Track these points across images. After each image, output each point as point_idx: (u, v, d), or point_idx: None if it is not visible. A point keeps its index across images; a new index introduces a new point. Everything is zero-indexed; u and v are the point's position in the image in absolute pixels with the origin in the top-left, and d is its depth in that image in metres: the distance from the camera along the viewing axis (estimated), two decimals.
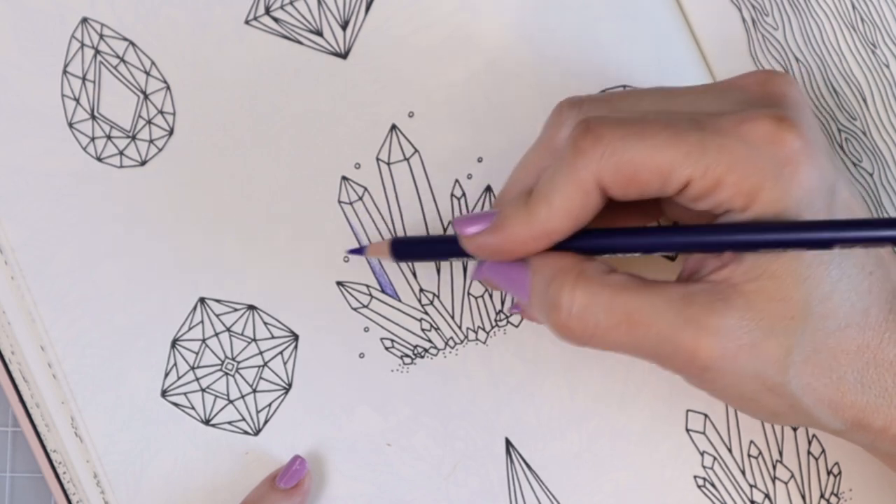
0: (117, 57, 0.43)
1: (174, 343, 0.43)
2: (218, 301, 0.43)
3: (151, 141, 0.43)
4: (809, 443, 0.42)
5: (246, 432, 0.43)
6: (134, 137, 0.43)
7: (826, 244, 0.32)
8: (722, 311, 0.32)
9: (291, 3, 0.42)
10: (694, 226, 0.34)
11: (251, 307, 0.43)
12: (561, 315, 0.34)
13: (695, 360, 0.33)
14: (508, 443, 0.43)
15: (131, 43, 0.43)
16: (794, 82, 0.35)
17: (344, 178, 0.43)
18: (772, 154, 0.32)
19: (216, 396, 0.43)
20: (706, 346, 0.32)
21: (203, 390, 0.43)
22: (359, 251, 0.42)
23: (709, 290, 0.33)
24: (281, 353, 0.43)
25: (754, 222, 0.32)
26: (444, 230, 0.42)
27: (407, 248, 0.40)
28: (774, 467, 0.42)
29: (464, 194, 0.42)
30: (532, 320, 0.41)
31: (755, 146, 0.32)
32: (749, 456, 0.42)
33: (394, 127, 0.42)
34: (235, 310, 0.43)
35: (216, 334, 0.43)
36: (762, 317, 0.32)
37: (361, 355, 0.43)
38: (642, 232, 0.35)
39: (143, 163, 0.43)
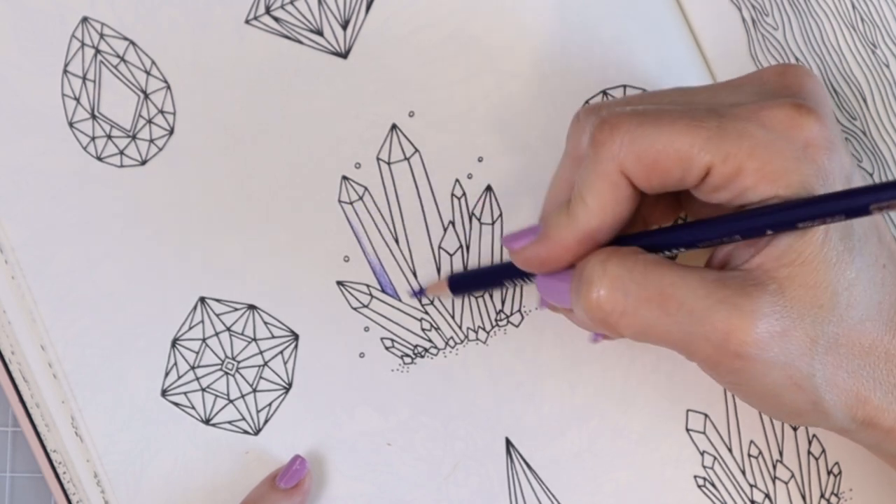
0: (118, 56, 0.43)
1: (174, 343, 0.43)
2: (218, 301, 0.43)
3: (152, 140, 0.43)
4: (810, 443, 0.42)
5: (246, 432, 0.43)
6: (134, 137, 0.43)
7: (863, 209, 0.31)
8: (755, 294, 0.32)
9: (292, 3, 0.42)
10: (733, 213, 0.34)
11: (251, 307, 0.43)
12: (592, 290, 0.34)
13: (728, 344, 0.32)
14: (508, 443, 0.43)
15: (131, 42, 0.43)
16: (812, 74, 0.35)
17: (344, 177, 0.43)
18: (792, 138, 0.32)
19: (216, 396, 0.43)
20: (740, 328, 0.32)
21: (203, 390, 0.43)
22: (419, 293, 0.42)
23: (742, 275, 0.33)
24: (281, 352, 0.43)
25: (789, 201, 0.32)
26: (445, 230, 0.42)
27: (463, 282, 0.41)
28: (775, 467, 0.42)
29: (464, 194, 0.42)
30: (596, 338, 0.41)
31: (775, 131, 0.32)
32: (749, 456, 0.42)
33: (394, 126, 0.42)
34: (235, 309, 0.43)
35: (216, 334, 0.43)
36: (793, 304, 0.32)
37: (361, 355, 0.43)
38: (681, 227, 0.35)
39: (144, 162, 0.43)
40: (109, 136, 0.43)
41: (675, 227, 0.35)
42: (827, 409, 0.34)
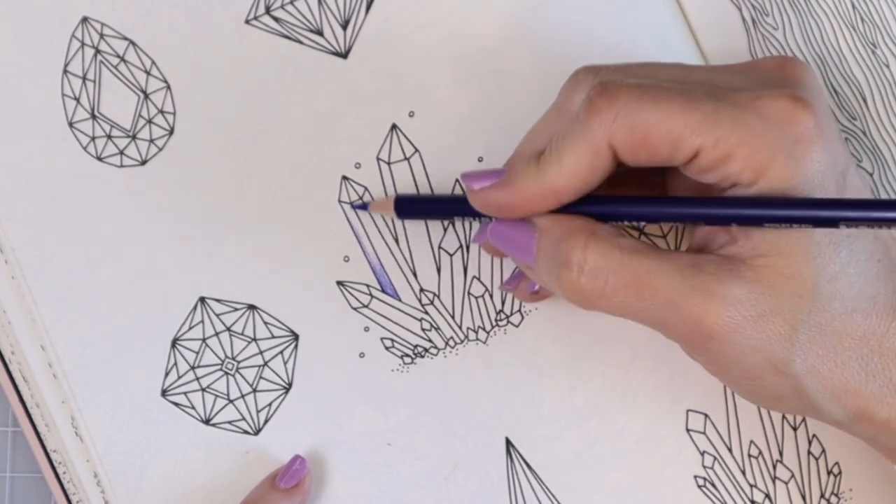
0: (117, 56, 0.43)
1: (174, 343, 0.43)
2: (218, 301, 0.43)
3: (152, 140, 0.43)
4: (810, 443, 0.42)
5: (246, 432, 0.43)
6: (134, 137, 0.43)
7: (831, 222, 0.31)
8: (730, 281, 0.33)
9: (292, 3, 0.42)
10: (702, 197, 0.34)
11: (251, 307, 0.43)
12: (572, 274, 0.34)
13: (700, 327, 0.33)
14: (508, 443, 0.43)
15: (131, 42, 0.43)
16: (810, 69, 0.35)
17: (344, 177, 0.43)
18: (785, 131, 0.32)
19: (216, 396, 0.43)
20: (713, 312, 0.32)
21: (203, 390, 0.43)
22: (362, 206, 0.42)
23: (718, 261, 0.33)
24: (281, 352, 0.43)
25: (761, 197, 0.32)
26: (445, 230, 0.42)
27: (411, 205, 0.41)
28: (775, 467, 0.42)
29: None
30: (523, 298, 0.41)
31: (769, 122, 0.32)
32: (749, 456, 0.42)
33: (394, 126, 0.42)
34: (235, 309, 0.43)
35: (216, 334, 0.43)
36: (770, 292, 0.32)
37: (361, 355, 0.43)
38: (649, 201, 0.35)
39: (144, 162, 0.43)
40: (109, 136, 0.43)
41: (643, 200, 0.35)
42: (811, 397, 0.34)
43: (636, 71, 0.35)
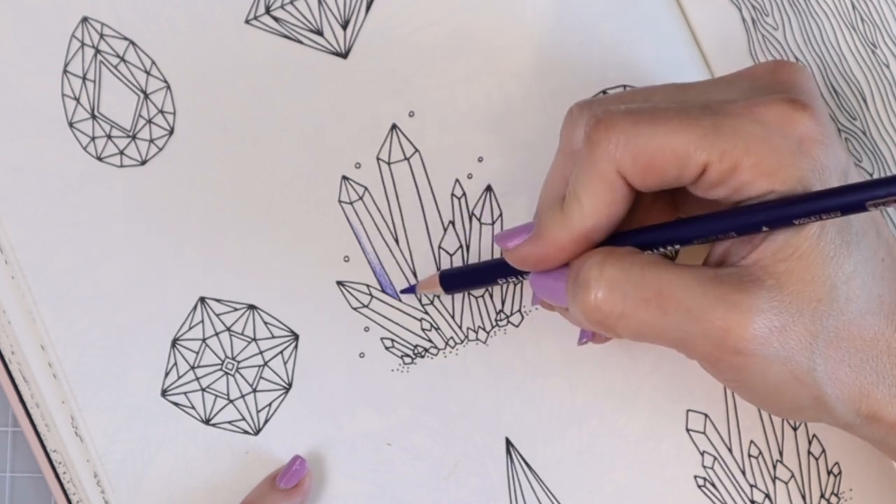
0: (117, 56, 0.43)
1: (174, 343, 0.43)
2: (218, 301, 0.43)
3: (152, 140, 0.43)
4: (810, 443, 0.42)
5: (246, 432, 0.43)
6: (134, 137, 0.43)
7: (859, 206, 0.31)
8: (753, 290, 0.32)
9: (292, 3, 0.42)
10: (729, 210, 0.34)
11: (251, 307, 0.43)
12: (590, 292, 0.34)
13: (726, 341, 0.32)
14: (508, 443, 0.43)
15: (131, 42, 0.43)
16: (805, 70, 0.35)
17: (344, 177, 0.43)
18: (787, 133, 0.32)
19: (216, 396, 0.43)
20: (738, 324, 0.32)
21: (203, 390, 0.43)
22: (410, 290, 0.42)
23: (739, 272, 0.33)
24: (281, 352, 0.43)
25: (785, 198, 0.32)
26: (445, 230, 0.42)
27: (456, 279, 0.41)
28: (775, 467, 0.42)
29: (464, 194, 0.42)
30: (596, 340, 0.41)
31: (769, 127, 0.32)
32: (749, 456, 0.42)
33: (394, 126, 0.42)
34: (235, 309, 0.43)
35: (216, 334, 0.43)
36: (791, 299, 0.32)
37: (361, 355, 0.43)
38: (676, 224, 0.35)
39: (144, 162, 0.43)
40: (109, 136, 0.43)
41: (670, 224, 0.35)
42: (829, 404, 0.34)
43: (629, 97, 0.35)
